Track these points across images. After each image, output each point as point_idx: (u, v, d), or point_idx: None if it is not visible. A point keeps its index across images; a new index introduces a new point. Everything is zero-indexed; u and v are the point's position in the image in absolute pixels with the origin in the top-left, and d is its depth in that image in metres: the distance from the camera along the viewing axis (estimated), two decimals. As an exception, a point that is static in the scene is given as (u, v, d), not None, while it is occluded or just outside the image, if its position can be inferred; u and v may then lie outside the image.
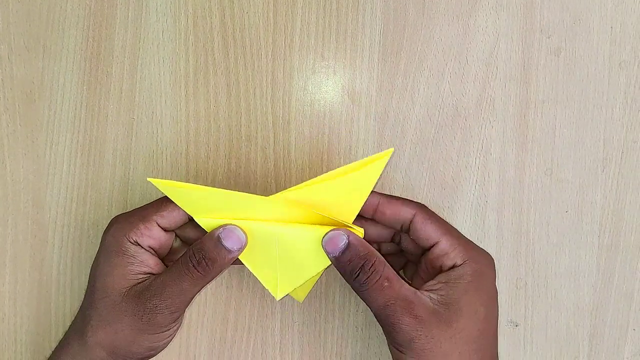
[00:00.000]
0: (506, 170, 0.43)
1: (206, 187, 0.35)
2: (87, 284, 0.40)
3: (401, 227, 0.37)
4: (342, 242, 0.34)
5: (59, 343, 0.39)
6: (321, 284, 0.44)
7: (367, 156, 0.43)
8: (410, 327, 0.33)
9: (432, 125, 0.43)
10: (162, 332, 0.36)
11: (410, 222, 0.36)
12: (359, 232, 0.36)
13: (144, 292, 0.36)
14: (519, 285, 0.43)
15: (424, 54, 0.43)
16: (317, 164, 0.43)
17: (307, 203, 0.35)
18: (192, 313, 0.44)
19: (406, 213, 0.36)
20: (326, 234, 0.35)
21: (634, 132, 0.42)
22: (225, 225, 0.35)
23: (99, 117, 0.43)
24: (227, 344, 0.44)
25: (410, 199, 0.38)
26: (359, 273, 0.34)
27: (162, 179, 0.41)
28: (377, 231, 0.39)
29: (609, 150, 0.43)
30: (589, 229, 0.43)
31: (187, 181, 0.43)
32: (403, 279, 0.36)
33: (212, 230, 0.35)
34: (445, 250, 0.35)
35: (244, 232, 0.35)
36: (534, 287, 0.43)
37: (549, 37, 0.42)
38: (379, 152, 0.42)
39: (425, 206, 0.37)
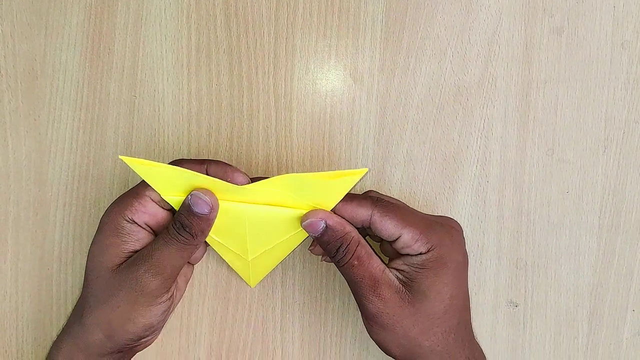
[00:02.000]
0: (507, 150, 0.43)
1: (176, 167, 0.35)
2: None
3: (363, 224, 0.37)
4: (320, 227, 0.36)
5: (64, 326, 0.40)
6: (322, 264, 0.44)
7: (368, 140, 0.43)
8: (373, 304, 0.35)
9: (433, 105, 0.43)
10: (156, 304, 0.37)
11: (370, 221, 0.36)
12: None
13: (133, 262, 0.36)
14: (519, 265, 0.43)
15: (426, 33, 0.42)
16: (319, 143, 0.43)
17: (278, 191, 0.36)
18: (194, 292, 0.44)
19: (362, 215, 0.36)
20: (306, 215, 0.36)
21: (635, 112, 0.42)
22: (192, 192, 0.36)
23: (101, 95, 0.43)
24: (228, 322, 0.44)
25: (367, 196, 0.37)
26: (336, 253, 0.36)
27: (147, 158, 0.42)
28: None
29: (611, 131, 0.43)
30: (589, 209, 0.43)
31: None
32: (377, 254, 0.37)
33: (184, 199, 0.36)
34: (408, 243, 0.36)
35: (212, 195, 0.36)
36: (534, 267, 0.43)
37: (551, 17, 0.42)
38: (380, 134, 0.43)
39: (382, 200, 0.37)
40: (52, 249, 0.44)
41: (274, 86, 0.43)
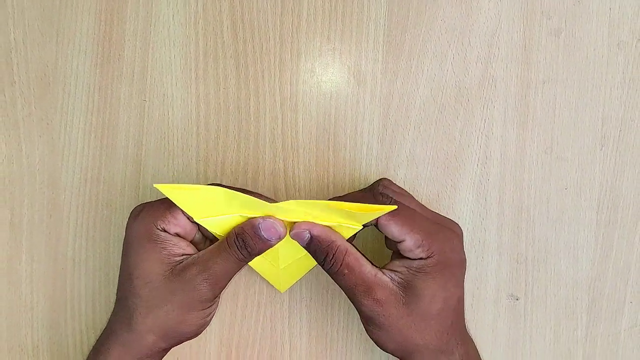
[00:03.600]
0: (507, 149, 0.44)
1: (211, 186, 0.36)
2: (99, 265, 0.41)
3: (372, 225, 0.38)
4: (305, 237, 0.37)
5: (103, 337, 0.40)
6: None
7: (372, 140, 0.44)
8: (369, 308, 0.36)
9: (435, 106, 0.44)
10: (208, 307, 0.38)
11: (376, 222, 0.37)
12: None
13: (187, 270, 0.37)
14: (519, 260, 0.45)
15: (428, 36, 0.44)
16: (324, 144, 0.44)
17: (308, 212, 0.37)
18: (204, 289, 0.45)
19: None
20: (293, 226, 0.37)
21: (631, 110, 0.44)
22: (265, 218, 0.37)
23: (111, 100, 0.44)
24: (237, 319, 0.45)
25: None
26: (323, 262, 0.37)
27: (169, 182, 0.43)
28: None
29: (608, 129, 0.44)
30: (587, 205, 0.44)
31: (198, 163, 0.44)
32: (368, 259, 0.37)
33: (252, 219, 0.37)
34: (410, 247, 0.36)
35: (283, 225, 0.37)
36: (534, 262, 0.45)
37: (549, 19, 0.43)
38: (383, 135, 0.44)
39: (388, 202, 0.38)
40: (66, 250, 0.45)
41: (279, 89, 0.44)
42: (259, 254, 0.37)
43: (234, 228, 0.37)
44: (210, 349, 0.45)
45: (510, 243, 0.44)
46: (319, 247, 0.36)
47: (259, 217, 0.37)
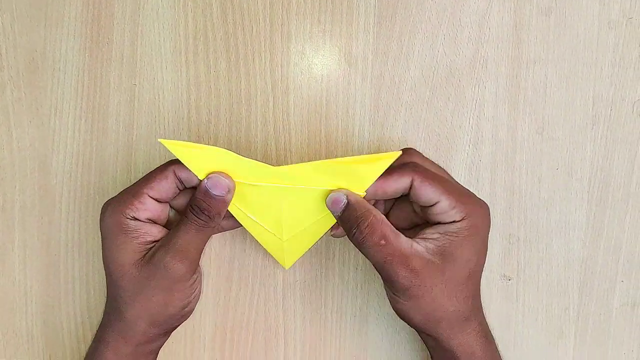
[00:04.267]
0: (499, 129, 0.44)
1: (216, 147, 0.36)
2: (93, 248, 0.41)
3: (403, 192, 0.38)
4: (342, 202, 0.37)
5: (100, 327, 0.41)
6: (322, 243, 0.45)
7: (363, 122, 0.44)
8: (406, 279, 0.36)
9: (426, 87, 0.44)
10: (188, 285, 0.39)
11: (410, 187, 0.37)
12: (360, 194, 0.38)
13: (156, 252, 0.37)
14: (511, 240, 0.45)
15: (419, 17, 0.43)
16: (316, 127, 0.44)
17: (313, 175, 0.37)
18: (197, 273, 0.45)
19: (404, 183, 0.37)
20: (330, 193, 0.37)
21: (622, 89, 0.44)
22: (209, 175, 0.37)
23: (101, 84, 0.44)
24: (231, 302, 0.46)
25: (408, 163, 0.38)
26: (355, 231, 0.36)
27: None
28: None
29: (598, 108, 0.44)
30: (578, 185, 0.44)
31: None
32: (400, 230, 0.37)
33: (200, 182, 0.37)
34: (445, 209, 0.37)
35: (228, 177, 0.37)
36: (526, 242, 0.45)
37: (539, -2, 0.43)
38: (375, 116, 0.44)
39: (420, 166, 0.38)
40: (59, 235, 0.45)
41: (270, 72, 0.44)
42: (219, 215, 0.37)
43: (190, 199, 0.38)
44: (205, 333, 0.46)
45: (502, 223, 0.45)
46: (354, 215, 0.36)
47: (204, 179, 0.37)
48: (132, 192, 0.38)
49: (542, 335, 0.45)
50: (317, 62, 0.44)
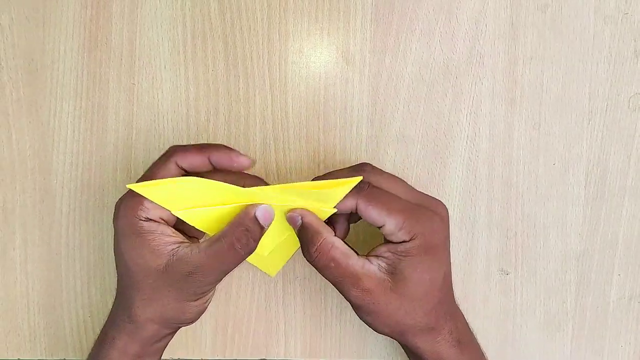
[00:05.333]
0: (496, 125, 0.44)
1: (184, 177, 0.36)
2: (94, 247, 0.41)
3: (352, 211, 0.38)
4: (297, 222, 0.37)
5: (107, 325, 0.40)
6: (321, 239, 0.45)
7: (361, 119, 0.44)
8: (358, 299, 0.37)
9: (424, 84, 0.44)
10: (209, 296, 0.39)
11: (356, 208, 0.37)
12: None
13: (184, 266, 0.36)
14: (509, 235, 0.45)
15: (415, 14, 0.44)
16: (314, 124, 0.45)
17: (282, 196, 0.37)
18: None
19: (349, 204, 0.37)
20: (287, 212, 0.38)
21: (618, 85, 0.44)
22: (257, 204, 0.37)
23: (100, 84, 0.44)
24: (232, 299, 0.46)
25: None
26: (305, 254, 0.37)
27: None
28: None
29: (594, 104, 0.44)
30: (575, 180, 0.45)
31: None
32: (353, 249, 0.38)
33: (247, 209, 0.37)
34: (390, 230, 0.36)
35: (272, 209, 0.37)
36: (524, 236, 0.45)
37: (535, -6, 0.44)
38: (373, 113, 0.44)
39: (364, 188, 0.37)
40: (60, 235, 0.45)
41: (268, 70, 0.44)
42: (255, 245, 0.37)
43: (230, 225, 0.37)
44: (206, 330, 0.46)
45: (500, 218, 0.45)
46: (305, 236, 0.37)
47: (247, 205, 0.37)
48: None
49: (540, 329, 0.46)
50: (315, 60, 0.44)
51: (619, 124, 0.44)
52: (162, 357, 0.41)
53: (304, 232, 0.37)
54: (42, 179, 0.45)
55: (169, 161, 0.38)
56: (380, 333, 0.38)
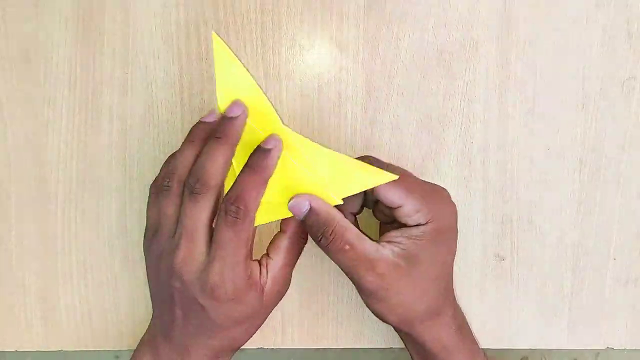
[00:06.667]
0: (490, 111, 0.44)
1: (251, 79, 0.35)
2: (90, 239, 0.41)
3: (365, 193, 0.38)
4: (305, 207, 0.36)
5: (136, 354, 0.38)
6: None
7: (356, 107, 0.44)
8: (372, 283, 0.36)
9: (417, 71, 0.44)
10: (260, 271, 0.37)
11: (373, 190, 0.37)
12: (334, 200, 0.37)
13: (271, 289, 0.36)
14: (504, 221, 0.45)
15: (409, 1, 0.44)
16: (309, 112, 0.45)
17: (310, 158, 0.36)
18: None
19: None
20: (292, 198, 0.36)
21: (611, 69, 0.44)
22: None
23: (94, 74, 0.44)
24: (229, 288, 0.46)
25: (386, 176, 0.36)
26: (321, 238, 0.36)
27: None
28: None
29: (588, 88, 0.44)
30: (569, 165, 0.45)
31: (183, 134, 0.44)
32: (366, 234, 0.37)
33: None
34: (409, 213, 0.36)
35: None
36: (519, 222, 0.45)
37: (528, -21, 0.44)
38: (367, 101, 0.44)
39: (387, 167, 0.37)
40: (55, 226, 0.45)
41: (262, 58, 0.44)
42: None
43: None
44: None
45: (495, 204, 0.45)
46: (317, 221, 0.35)
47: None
48: (245, 252, 0.35)
49: (537, 315, 0.46)
50: (309, 48, 0.44)
51: (612, 109, 0.44)
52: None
53: (315, 217, 0.35)
54: (37, 170, 0.45)
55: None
56: (387, 322, 0.38)
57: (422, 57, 0.44)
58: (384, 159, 0.44)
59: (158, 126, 0.45)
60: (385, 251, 0.36)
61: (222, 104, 0.36)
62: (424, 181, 0.39)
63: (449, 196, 0.39)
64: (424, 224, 0.36)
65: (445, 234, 0.37)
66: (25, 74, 0.44)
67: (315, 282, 0.46)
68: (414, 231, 0.36)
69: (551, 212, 0.45)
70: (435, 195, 0.37)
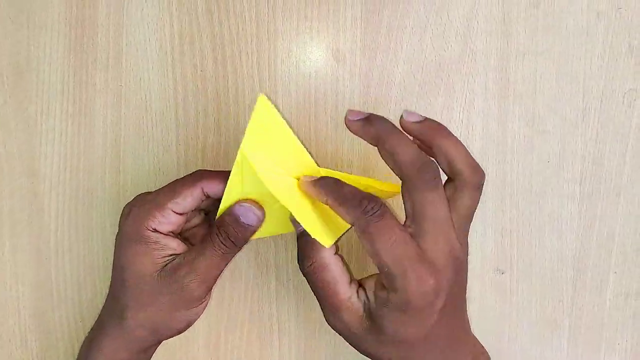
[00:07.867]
0: (489, 123, 0.44)
1: (291, 133, 0.35)
2: (83, 251, 0.40)
3: None
4: (299, 228, 0.35)
5: (94, 330, 0.40)
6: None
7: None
8: (333, 324, 0.35)
9: (416, 82, 0.44)
10: (197, 305, 0.38)
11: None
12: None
13: (176, 271, 0.36)
14: (504, 234, 0.45)
15: (406, 11, 0.43)
16: (305, 124, 0.44)
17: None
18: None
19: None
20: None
21: (612, 81, 0.43)
22: (241, 202, 0.36)
23: (87, 86, 0.43)
24: (225, 301, 0.45)
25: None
26: (300, 265, 0.35)
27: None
28: None
29: (589, 100, 0.44)
30: (570, 177, 0.44)
31: (178, 147, 0.44)
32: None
33: (229, 208, 0.36)
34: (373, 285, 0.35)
35: (260, 207, 0.36)
36: (519, 235, 0.45)
37: (528, -10, 0.43)
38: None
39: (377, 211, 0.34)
40: (49, 239, 0.45)
41: (258, 70, 0.43)
42: (244, 243, 0.37)
43: (215, 221, 0.36)
44: (199, 332, 0.46)
45: (495, 217, 0.45)
46: (305, 246, 0.35)
47: (235, 203, 0.36)
48: (156, 203, 0.37)
49: (537, 328, 0.46)
50: (305, 59, 0.44)
51: (613, 120, 0.44)
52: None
53: (304, 241, 0.35)
54: (30, 182, 0.44)
55: (196, 186, 0.37)
56: None
57: (420, 67, 0.43)
58: (382, 172, 0.44)
59: (152, 138, 0.44)
60: (356, 303, 0.34)
61: (249, 146, 0.34)
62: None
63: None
64: (394, 292, 0.32)
65: (415, 309, 0.32)
66: (18, 86, 0.43)
67: (312, 297, 0.45)
68: (380, 293, 0.33)
69: (551, 225, 0.45)
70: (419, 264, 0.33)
